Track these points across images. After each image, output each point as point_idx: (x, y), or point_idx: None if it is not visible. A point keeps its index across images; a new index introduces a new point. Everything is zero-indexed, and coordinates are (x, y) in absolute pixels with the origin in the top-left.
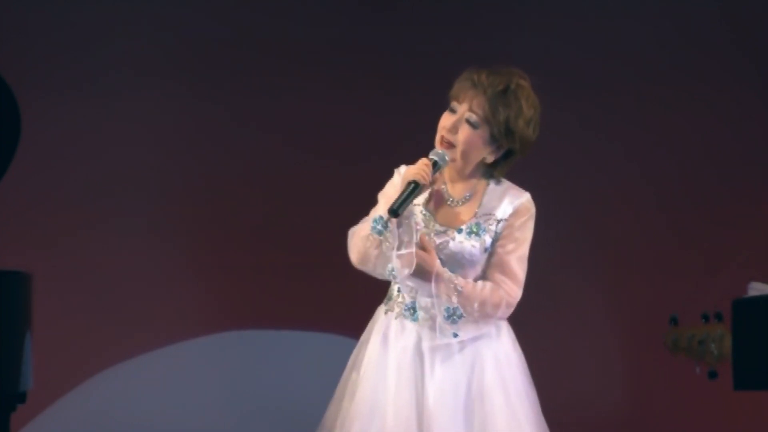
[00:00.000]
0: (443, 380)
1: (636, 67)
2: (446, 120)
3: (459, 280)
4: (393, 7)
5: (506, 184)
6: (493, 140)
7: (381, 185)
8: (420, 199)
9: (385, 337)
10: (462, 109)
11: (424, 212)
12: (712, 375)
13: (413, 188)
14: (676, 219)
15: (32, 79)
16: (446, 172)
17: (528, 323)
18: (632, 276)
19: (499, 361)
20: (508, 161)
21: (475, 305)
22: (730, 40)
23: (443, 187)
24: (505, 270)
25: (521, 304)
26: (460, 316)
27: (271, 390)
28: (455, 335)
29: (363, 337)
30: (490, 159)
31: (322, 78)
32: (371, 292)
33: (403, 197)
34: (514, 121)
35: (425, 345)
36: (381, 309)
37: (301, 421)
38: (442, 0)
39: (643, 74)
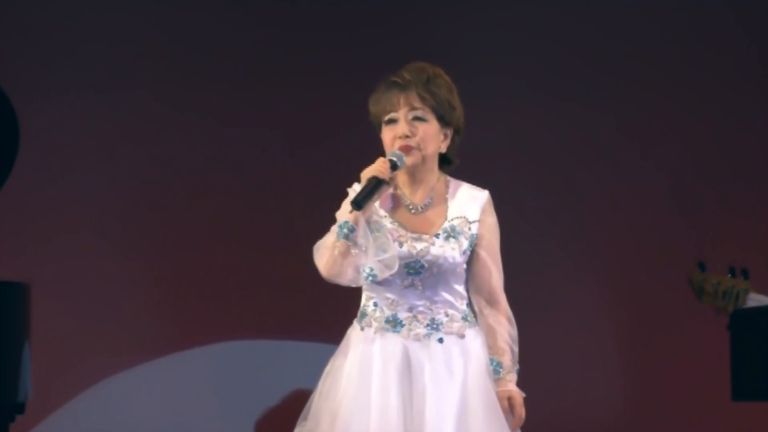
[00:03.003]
0: (435, 388)
1: (645, 65)
2: (393, 131)
3: (508, 372)
4: (393, 9)
5: (463, 183)
6: (443, 124)
7: None
8: (383, 210)
9: (366, 352)
10: (403, 113)
11: (393, 222)
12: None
13: (375, 183)
14: (680, 219)
15: (30, 84)
16: (401, 182)
17: (528, 324)
18: (636, 277)
19: (481, 370)
20: (455, 144)
21: (516, 349)
22: (741, 39)
23: (402, 196)
24: (494, 296)
25: (520, 305)
26: (441, 322)
27: (268, 400)
28: (441, 340)
29: (337, 361)
30: (444, 148)
31: (324, 85)
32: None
33: (365, 191)
34: (451, 97)
35: (412, 355)
36: (355, 327)
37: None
38: (453, 4)
39: (652, 73)
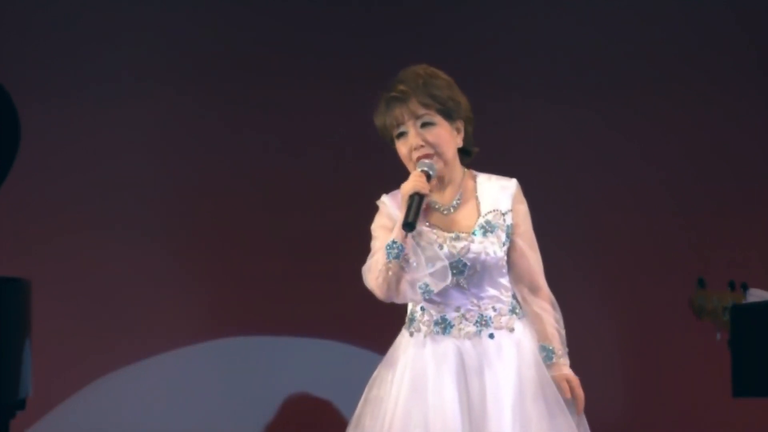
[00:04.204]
0: (493, 382)
1: (645, 65)
2: (407, 143)
3: (560, 357)
4: (393, 9)
5: (491, 177)
6: (451, 121)
7: (385, 190)
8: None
9: (417, 356)
10: (410, 123)
11: (429, 226)
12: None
13: (419, 199)
14: (680, 219)
15: (31, 83)
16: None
17: None
18: (636, 277)
19: (533, 360)
20: (470, 134)
21: (563, 333)
22: (741, 39)
23: (432, 200)
24: (535, 282)
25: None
26: (489, 318)
27: (273, 395)
28: (492, 336)
29: (384, 368)
30: (460, 141)
31: (324, 86)
32: (374, 300)
33: (412, 210)
34: (452, 92)
35: (465, 353)
36: (404, 333)
37: (302, 425)
38: (449, 4)
39: (652, 73)
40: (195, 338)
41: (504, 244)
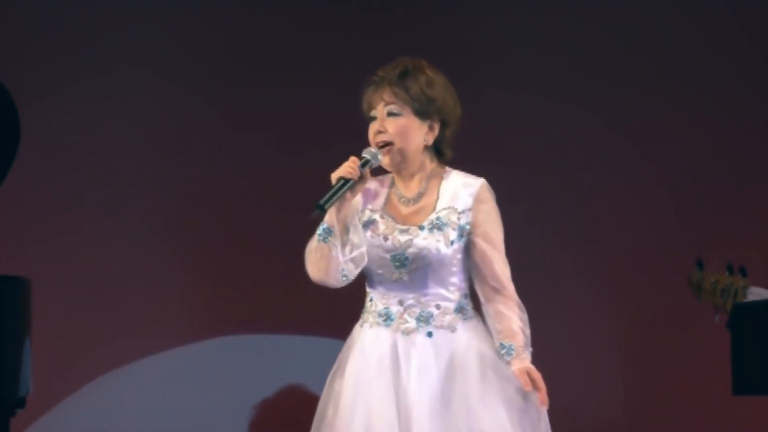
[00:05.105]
0: (421, 383)
1: (645, 65)
2: (373, 128)
3: (522, 352)
4: (392, 9)
5: (460, 174)
6: (422, 117)
7: None
8: (377, 205)
9: (362, 349)
10: (379, 109)
11: (383, 216)
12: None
13: (341, 184)
14: (680, 219)
15: (31, 82)
16: (396, 176)
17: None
18: (636, 277)
19: (480, 364)
20: (447, 137)
21: (528, 333)
22: (741, 39)
23: (396, 190)
24: (498, 284)
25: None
26: (431, 315)
27: (273, 394)
28: (430, 334)
29: (342, 354)
30: (429, 140)
31: (322, 84)
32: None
33: (330, 193)
34: (429, 89)
35: (401, 350)
36: (357, 324)
37: (296, 424)
38: (449, 4)
39: (652, 73)
40: (195, 337)
41: (452, 243)
